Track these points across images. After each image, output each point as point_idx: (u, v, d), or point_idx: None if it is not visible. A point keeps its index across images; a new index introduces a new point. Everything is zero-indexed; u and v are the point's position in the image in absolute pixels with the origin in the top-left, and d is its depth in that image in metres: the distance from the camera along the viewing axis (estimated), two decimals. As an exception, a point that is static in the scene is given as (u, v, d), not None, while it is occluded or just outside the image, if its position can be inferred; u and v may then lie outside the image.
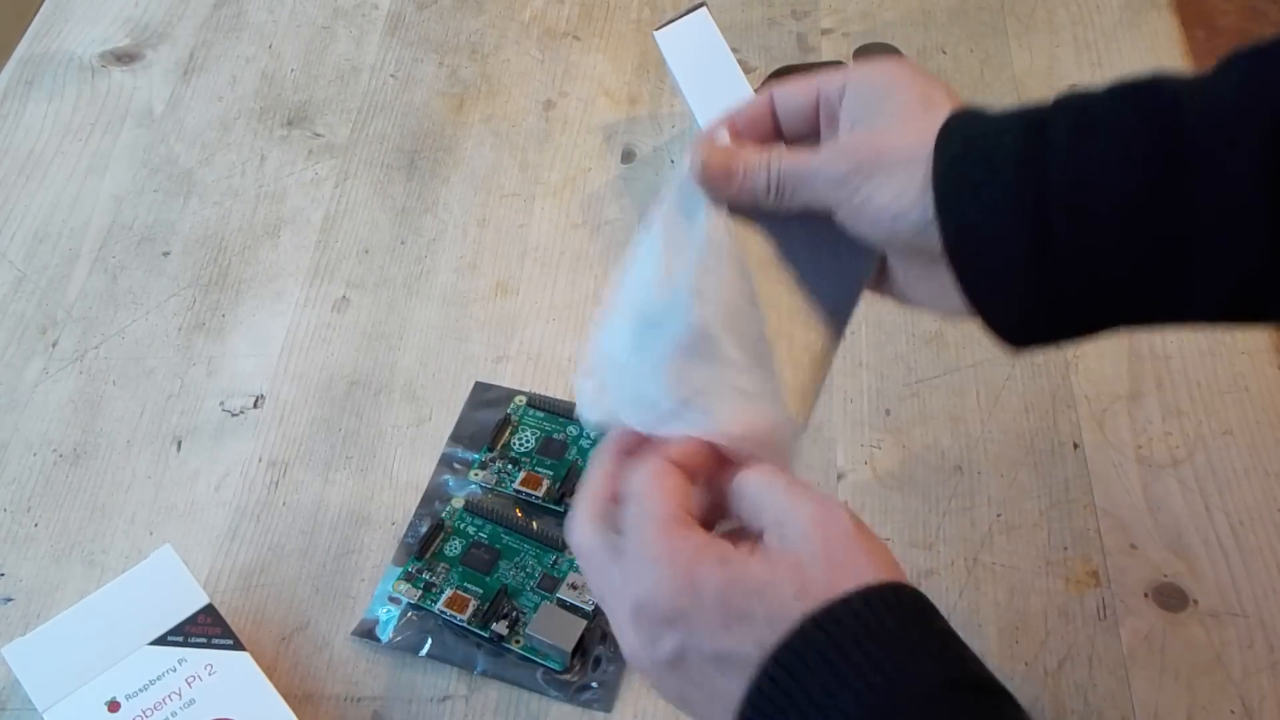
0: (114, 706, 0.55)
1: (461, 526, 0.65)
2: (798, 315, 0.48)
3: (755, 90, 0.69)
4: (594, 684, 0.60)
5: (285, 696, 0.56)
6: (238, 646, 0.57)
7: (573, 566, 0.63)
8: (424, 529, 0.65)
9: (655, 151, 0.84)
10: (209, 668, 0.57)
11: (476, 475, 0.67)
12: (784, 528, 0.41)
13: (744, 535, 0.43)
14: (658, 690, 0.43)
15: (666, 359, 0.46)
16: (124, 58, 0.92)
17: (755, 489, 0.43)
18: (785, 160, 0.46)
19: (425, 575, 0.63)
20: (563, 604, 0.61)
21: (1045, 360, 0.71)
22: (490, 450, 0.68)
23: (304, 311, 0.77)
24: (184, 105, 0.89)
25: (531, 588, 0.62)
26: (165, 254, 0.80)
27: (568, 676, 0.60)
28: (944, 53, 0.89)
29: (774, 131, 0.49)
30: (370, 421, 0.71)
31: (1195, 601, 0.61)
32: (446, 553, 0.64)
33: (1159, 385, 0.70)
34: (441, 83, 0.90)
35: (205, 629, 0.58)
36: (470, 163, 0.84)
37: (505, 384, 0.72)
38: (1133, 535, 0.64)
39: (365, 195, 0.83)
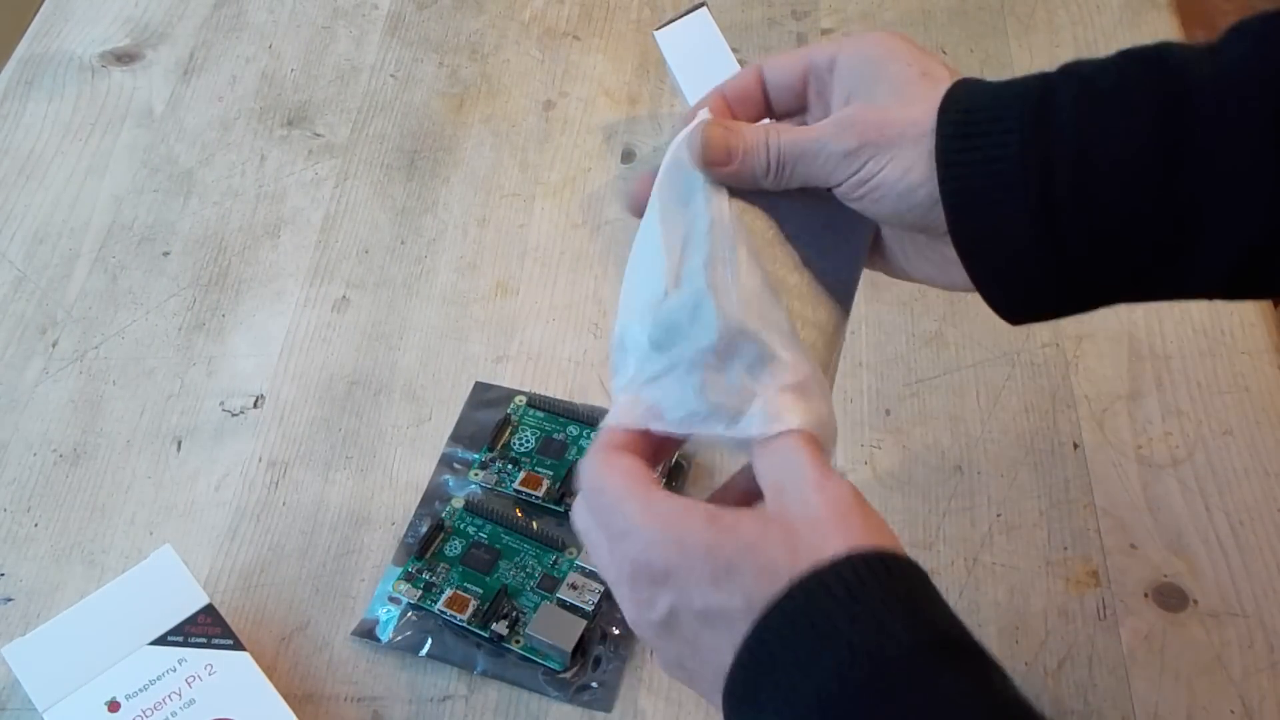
0: (114, 706, 0.55)
1: (461, 526, 0.65)
2: (807, 295, 0.46)
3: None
4: (594, 684, 0.60)
5: (285, 696, 0.56)
6: (238, 646, 0.57)
7: (573, 566, 0.63)
8: (424, 529, 0.65)
9: (655, 151, 0.84)
10: (209, 668, 0.57)
11: (476, 475, 0.67)
12: (784, 493, 0.41)
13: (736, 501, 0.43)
14: (658, 660, 0.43)
15: (696, 366, 0.43)
16: (124, 58, 0.92)
17: (758, 452, 0.43)
18: (785, 137, 0.45)
19: (425, 575, 0.63)
20: (563, 604, 0.61)
21: (1045, 360, 0.71)
22: (490, 450, 0.68)
23: (304, 311, 0.77)
24: (184, 105, 0.89)
25: (531, 588, 0.62)
26: (165, 254, 0.80)
27: (568, 676, 0.60)
28: (944, 53, 0.89)
29: (764, 105, 0.48)
30: (370, 421, 0.71)
31: (1195, 601, 0.61)
32: (446, 553, 0.64)
33: (1159, 385, 0.70)
34: (441, 83, 0.90)
35: (205, 629, 0.58)
36: (470, 163, 0.84)
37: (505, 384, 0.72)
38: (1133, 535, 0.64)
39: (365, 195, 0.83)
